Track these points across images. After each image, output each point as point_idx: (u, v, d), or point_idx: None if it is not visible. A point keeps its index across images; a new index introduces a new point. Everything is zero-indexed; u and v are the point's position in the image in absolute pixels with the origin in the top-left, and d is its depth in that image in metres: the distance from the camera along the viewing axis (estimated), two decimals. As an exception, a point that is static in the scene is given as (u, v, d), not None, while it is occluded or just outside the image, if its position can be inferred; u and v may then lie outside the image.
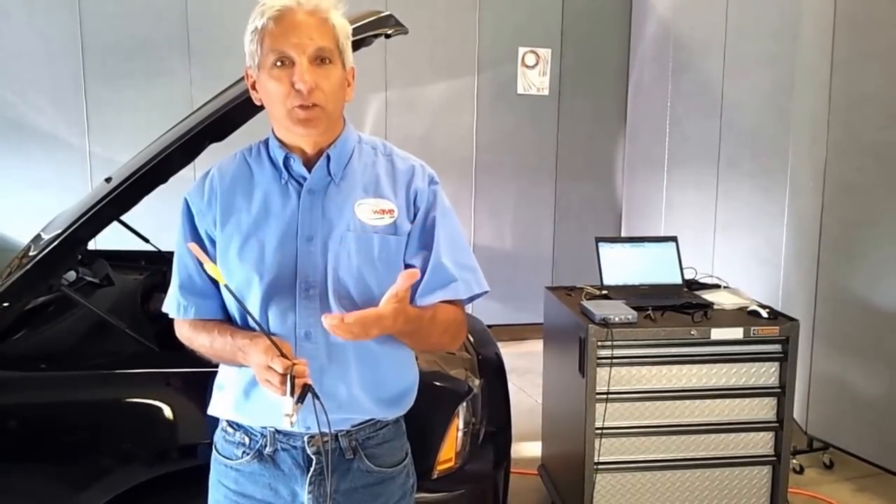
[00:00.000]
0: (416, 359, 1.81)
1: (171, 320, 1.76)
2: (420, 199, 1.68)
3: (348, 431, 1.67)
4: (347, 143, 1.68)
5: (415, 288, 1.62)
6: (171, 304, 1.70)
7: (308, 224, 1.61)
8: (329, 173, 1.64)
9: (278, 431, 1.66)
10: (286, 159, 1.63)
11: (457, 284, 1.66)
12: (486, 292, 1.72)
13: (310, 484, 1.65)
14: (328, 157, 1.63)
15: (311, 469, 1.65)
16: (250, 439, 1.68)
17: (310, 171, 1.63)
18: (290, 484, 1.67)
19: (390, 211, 1.64)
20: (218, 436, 1.76)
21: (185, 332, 1.69)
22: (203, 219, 1.66)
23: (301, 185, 1.63)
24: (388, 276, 1.59)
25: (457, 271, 1.66)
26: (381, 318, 1.47)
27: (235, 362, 1.62)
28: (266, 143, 1.69)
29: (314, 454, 1.65)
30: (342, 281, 1.60)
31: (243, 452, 1.69)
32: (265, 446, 1.67)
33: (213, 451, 1.76)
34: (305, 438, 1.65)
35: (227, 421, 1.73)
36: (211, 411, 1.75)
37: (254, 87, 1.64)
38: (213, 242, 1.65)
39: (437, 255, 1.65)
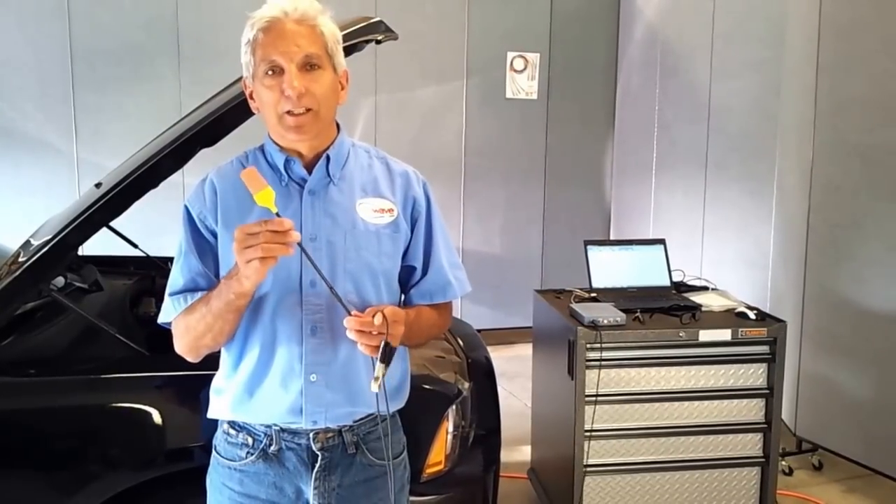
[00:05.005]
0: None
1: (162, 323, 1.75)
2: (418, 207, 1.76)
3: (351, 427, 1.70)
4: (343, 145, 1.73)
5: (410, 285, 1.78)
6: (176, 302, 1.68)
7: (311, 223, 1.65)
8: (328, 174, 1.68)
9: (283, 430, 1.68)
10: (287, 162, 1.67)
11: (453, 288, 1.81)
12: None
13: (315, 480, 1.68)
14: (328, 158, 1.68)
15: (317, 465, 1.68)
16: (254, 439, 1.70)
17: (309, 173, 1.67)
18: (294, 482, 1.69)
19: (390, 210, 1.72)
20: (219, 438, 1.77)
21: (181, 325, 1.66)
22: (204, 219, 1.68)
23: (301, 186, 1.67)
24: (392, 270, 1.73)
25: (451, 272, 1.80)
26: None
27: (234, 306, 1.56)
28: (262, 148, 1.73)
29: (319, 450, 1.68)
30: (351, 276, 1.66)
31: (247, 453, 1.70)
32: (269, 445, 1.69)
33: (214, 454, 1.77)
34: (311, 435, 1.67)
35: (229, 423, 1.74)
36: (211, 415, 1.76)
37: (251, 97, 1.68)
38: (215, 237, 1.67)
39: (438, 260, 1.78)
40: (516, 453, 3.95)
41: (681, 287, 3.52)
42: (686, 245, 5.30)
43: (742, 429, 3.10)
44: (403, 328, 1.59)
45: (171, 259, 1.75)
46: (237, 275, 1.50)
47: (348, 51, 2.08)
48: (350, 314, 1.54)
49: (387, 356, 1.53)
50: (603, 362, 2.97)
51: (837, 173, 3.87)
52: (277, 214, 1.49)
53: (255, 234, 1.44)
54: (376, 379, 1.52)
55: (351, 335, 1.53)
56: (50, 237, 2.37)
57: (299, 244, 1.49)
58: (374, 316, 1.53)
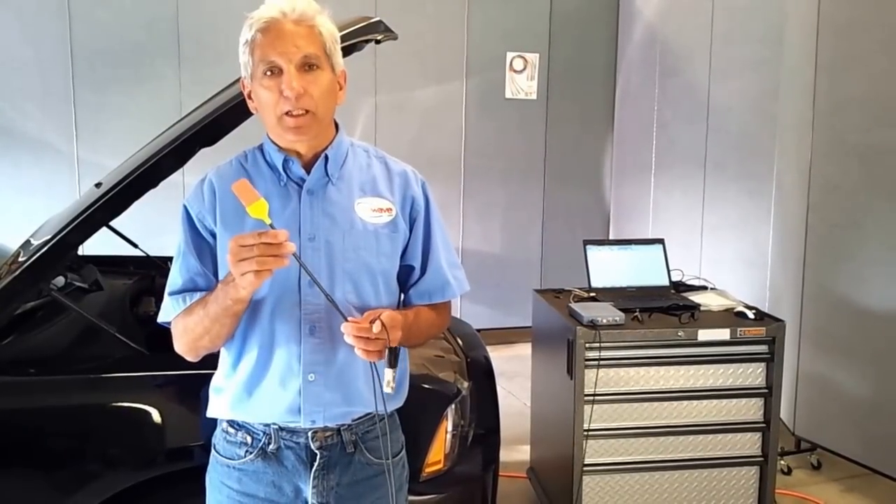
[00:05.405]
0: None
1: (161, 322, 1.76)
2: (417, 207, 1.76)
3: (349, 426, 1.71)
4: (342, 145, 1.73)
5: (409, 284, 1.79)
6: (175, 302, 1.69)
7: (309, 223, 1.65)
8: (326, 173, 1.69)
9: (282, 428, 1.69)
10: (285, 162, 1.67)
11: (451, 288, 1.81)
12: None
13: (314, 479, 1.69)
14: (326, 158, 1.68)
15: (316, 464, 1.69)
16: (253, 438, 1.71)
17: (308, 173, 1.67)
18: (293, 480, 1.70)
19: (388, 209, 1.72)
20: (218, 437, 1.78)
21: (180, 326, 1.67)
22: (203, 219, 1.68)
23: (300, 186, 1.68)
24: (390, 270, 1.73)
25: (450, 272, 1.80)
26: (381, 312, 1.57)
27: (231, 311, 1.57)
28: (260, 148, 1.73)
29: (318, 449, 1.69)
30: (349, 276, 1.66)
31: (246, 451, 1.71)
32: (268, 444, 1.69)
33: (213, 452, 1.78)
34: (309, 434, 1.68)
35: (228, 421, 1.74)
36: (210, 414, 1.77)
37: (249, 97, 1.69)
38: (214, 237, 1.68)
39: (436, 260, 1.78)
40: (515, 452, 3.95)
41: (679, 286, 3.53)
42: (685, 245, 5.31)
43: (741, 428, 3.11)
44: (401, 333, 1.59)
45: (170, 259, 1.76)
46: (233, 282, 1.50)
47: (348, 51, 2.09)
48: (346, 320, 1.54)
49: (393, 360, 1.55)
50: (602, 362, 2.97)
51: (836, 173, 3.88)
52: (272, 226, 1.49)
53: (249, 247, 1.44)
54: (388, 383, 1.55)
55: (349, 340, 1.53)
56: (50, 237, 2.38)
57: (295, 255, 1.49)
58: (372, 322, 1.53)
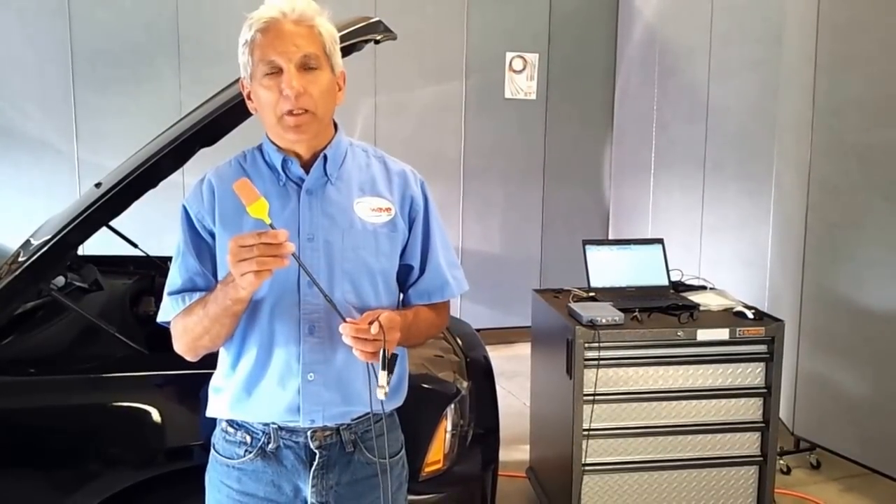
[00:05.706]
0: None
1: (160, 322, 1.76)
2: (416, 206, 1.77)
3: (348, 425, 1.71)
4: (341, 145, 1.73)
5: (408, 284, 1.79)
6: (174, 302, 1.70)
7: (308, 223, 1.66)
8: (325, 173, 1.69)
9: (281, 428, 1.69)
10: (284, 162, 1.67)
11: (450, 287, 1.81)
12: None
13: (313, 478, 1.69)
14: (325, 158, 1.68)
15: (315, 463, 1.69)
16: (252, 437, 1.71)
17: (307, 173, 1.67)
18: (293, 479, 1.70)
19: (388, 209, 1.72)
20: (217, 437, 1.78)
21: (179, 326, 1.68)
22: (202, 220, 1.69)
23: (299, 186, 1.68)
24: (390, 270, 1.74)
25: (449, 271, 1.80)
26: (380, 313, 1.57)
27: (231, 312, 1.57)
28: (259, 148, 1.73)
29: (317, 448, 1.69)
30: (348, 276, 1.66)
31: (245, 451, 1.71)
32: (268, 443, 1.70)
33: (212, 452, 1.78)
34: (308, 433, 1.68)
35: (227, 421, 1.75)
36: (210, 413, 1.77)
37: (249, 97, 1.69)
38: (213, 237, 1.68)
39: (435, 259, 1.79)
40: (515, 452, 3.95)
41: (679, 286, 3.53)
42: (684, 245, 5.32)
43: (740, 428, 3.11)
44: (400, 334, 1.59)
45: (170, 259, 1.76)
46: (233, 282, 1.51)
47: (347, 51, 2.09)
48: (345, 321, 1.54)
49: (389, 363, 1.53)
50: (601, 361, 2.98)
51: (835, 173, 3.88)
52: (272, 226, 1.49)
53: (249, 247, 1.44)
54: (381, 387, 1.52)
55: (347, 340, 1.53)
56: (50, 237, 2.38)
57: (294, 255, 1.49)
58: (370, 324, 1.53)
